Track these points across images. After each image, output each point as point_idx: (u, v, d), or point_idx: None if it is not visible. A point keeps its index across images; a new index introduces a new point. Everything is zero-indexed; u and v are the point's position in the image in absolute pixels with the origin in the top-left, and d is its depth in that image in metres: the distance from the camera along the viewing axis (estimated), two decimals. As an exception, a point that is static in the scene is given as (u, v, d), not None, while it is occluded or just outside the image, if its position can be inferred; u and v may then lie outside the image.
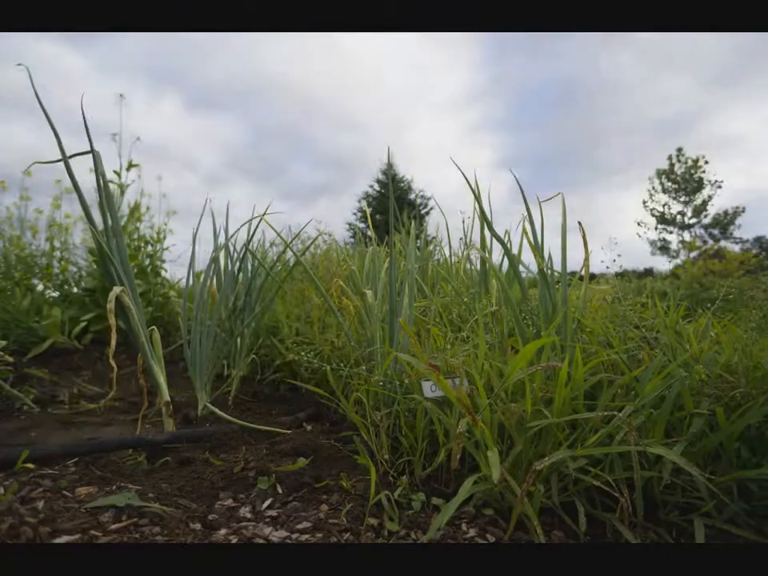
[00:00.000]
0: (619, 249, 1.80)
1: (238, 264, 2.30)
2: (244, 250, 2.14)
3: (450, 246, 2.80)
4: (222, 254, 2.22)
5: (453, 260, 2.82)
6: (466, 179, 1.59)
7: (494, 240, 2.06)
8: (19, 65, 1.08)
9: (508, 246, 1.69)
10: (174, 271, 4.46)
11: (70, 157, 1.21)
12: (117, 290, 1.22)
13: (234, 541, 0.81)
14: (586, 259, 1.49)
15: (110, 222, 1.31)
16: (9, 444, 1.34)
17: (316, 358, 1.74)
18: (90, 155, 1.29)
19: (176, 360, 2.70)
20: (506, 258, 1.93)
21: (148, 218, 3.70)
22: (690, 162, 22.76)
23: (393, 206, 1.56)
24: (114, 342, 1.18)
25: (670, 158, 23.33)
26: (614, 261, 1.84)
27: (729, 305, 4.68)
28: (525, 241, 1.90)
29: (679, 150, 23.03)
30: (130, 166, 3.34)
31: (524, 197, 1.47)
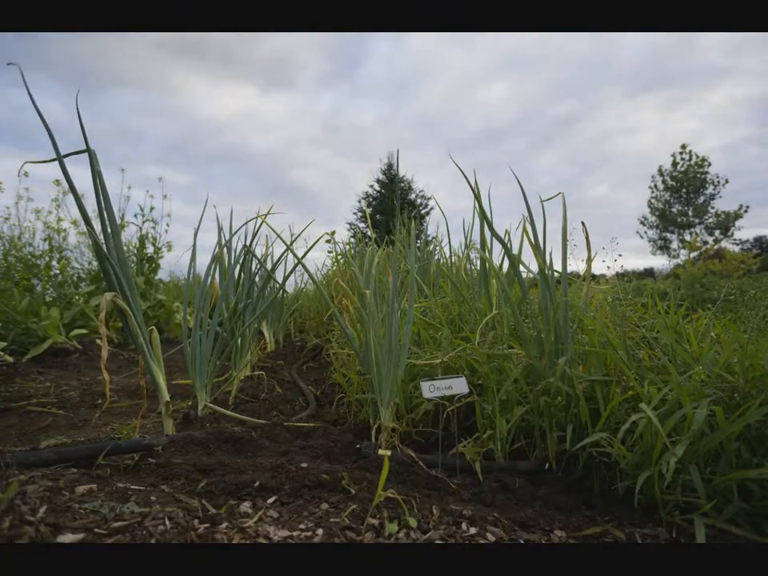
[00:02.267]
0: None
1: (239, 265, 2.30)
2: (245, 249, 2.14)
3: (450, 246, 2.79)
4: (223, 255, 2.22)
5: (453, 260, 2.82)
6: (466, 177, 1.59)
7: (494, 240, 2.06)
8: (10, 64, 1.07)
9: (508, 245, 1.69)
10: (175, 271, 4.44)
11: (65, 156, 1.20)
12: (108, 296, 1.21)
13: (236, 539, 0.81)
14: (589, 259, 1.49)
15: (107, 222, 1.31)
16: (7, 444, 1.34)
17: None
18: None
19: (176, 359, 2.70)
20: (506, 258, 1.92)
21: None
22: (694, 159, 22.65)
23: (397, 206, 1.56)
24: (105, 352, 1.17)
25: (673, 155, 23.25)
26: (616, 260, 1.84)
27: (729, 305, 4.68)
28: (525, 240, 1.90)
29: (683, 146, 22.92)
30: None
31: (524, 196, 1.46)
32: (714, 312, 1.50)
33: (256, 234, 2.33)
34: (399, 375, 1.44)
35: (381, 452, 1.20)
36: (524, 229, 1.56)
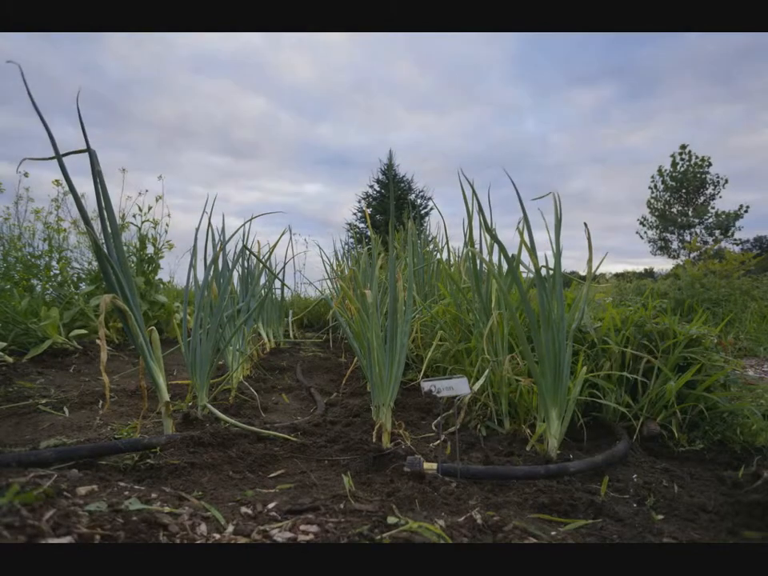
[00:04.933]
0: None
1: (238, 264, 2.30)
2: (243, 249, 2.14)
3: (449, 248, 2.79)
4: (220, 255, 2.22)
5: (452, 260, 2.82)
6: (463, 175, 1.59)
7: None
8: (9, 62, 1.06)
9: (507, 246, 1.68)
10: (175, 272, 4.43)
11: (64, 155, 1.20)
12: (107, 297, 1.21)
13: (239, 539, 0.80)
14: (590, 260, 1.48)
15: (107, 222, 1.30)
16: (7, 445, 1.34)
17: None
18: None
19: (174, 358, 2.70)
20: (504, 259, 1.91)
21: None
22: (694, 159, 22.61)
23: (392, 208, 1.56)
24: (104, 355, 1.16)
25: (673, 155, 23.23)
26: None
27: (729, 305, 4.68)
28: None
29: (683, 147, 22.89)
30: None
31: (518, 196, 1.46)
32: (713, 312, 1.50)
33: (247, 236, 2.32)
34: (399, 374, 1.44)
35: (426, 466, 1.14)
36: (518, 229, 1.56)
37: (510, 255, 1.54)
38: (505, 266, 1.83)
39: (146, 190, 3.79)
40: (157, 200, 3.79)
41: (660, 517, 1.01)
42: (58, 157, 1.17)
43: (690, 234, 22.79)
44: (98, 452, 1.19)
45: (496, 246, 2.02)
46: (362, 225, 19.06)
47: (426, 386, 1.29)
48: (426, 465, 1.14)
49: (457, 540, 0.83)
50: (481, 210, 1.60)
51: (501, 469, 1.16)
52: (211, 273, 1.83)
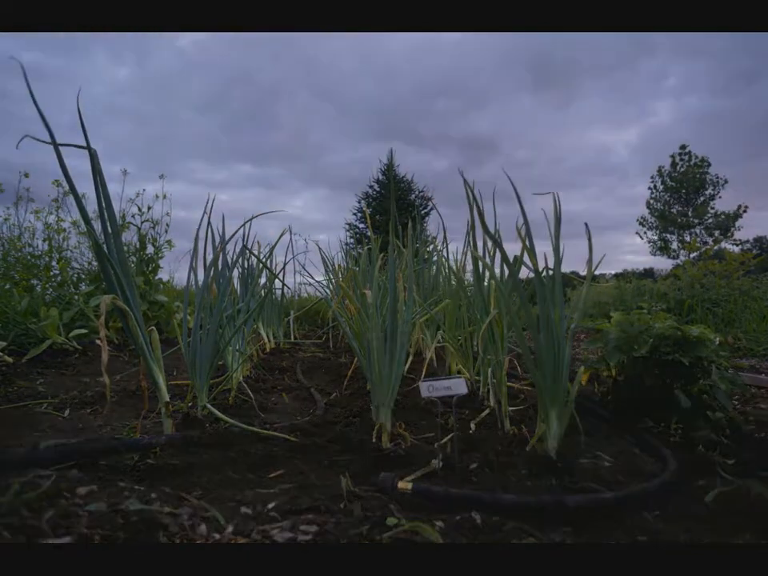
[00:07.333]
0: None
1: (237, 264, 2.30)
2: (242, 250, 2.14)
3: (447, 247, 2.79)
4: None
5: (452, 260, 2.82)
6: (462, 175, 1.59)
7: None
8: (11, 58, 1.06)
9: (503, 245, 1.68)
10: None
11: (62, 145, 1.19)
12: (107, 298, 1.21)
13: (239, 539, 0.81)
14: (590, 261, 1.48)
15: (107, 222, 1.31)
16: (7, 445, 1.34)
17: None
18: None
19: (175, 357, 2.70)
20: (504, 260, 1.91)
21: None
22: (694, 160, 22.64)
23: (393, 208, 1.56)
24: (106, 355, 1.16)
25: (672, 156, 23.26)
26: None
27: (729, 305, 4.69)
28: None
29: (683, 147, 22.92)
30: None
31: (517, 194, 1.46)
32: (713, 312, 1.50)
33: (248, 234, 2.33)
34: (399, 374, 1.44)
35: (401, 485, 1.03)
36: (517, 228, 1.56)
37: (512, 257, 1.54)
38: (506, 271, 1.83)
39: (144, 190, 3.80)
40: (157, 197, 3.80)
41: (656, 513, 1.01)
42: (56, 146, 1.16)
43: (690, 234, 22.82)
44: (97, 452, 1.19)
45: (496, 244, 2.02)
46: (361, 225, 19.06)
47: (423, 386, 1.29)
48: (401, 484, 1.02)
49: (456, 540, 0.84)
50: (481, 216, 1.60)
51: (486, 495, 0.99)
52: (211, 273, 1.83)
